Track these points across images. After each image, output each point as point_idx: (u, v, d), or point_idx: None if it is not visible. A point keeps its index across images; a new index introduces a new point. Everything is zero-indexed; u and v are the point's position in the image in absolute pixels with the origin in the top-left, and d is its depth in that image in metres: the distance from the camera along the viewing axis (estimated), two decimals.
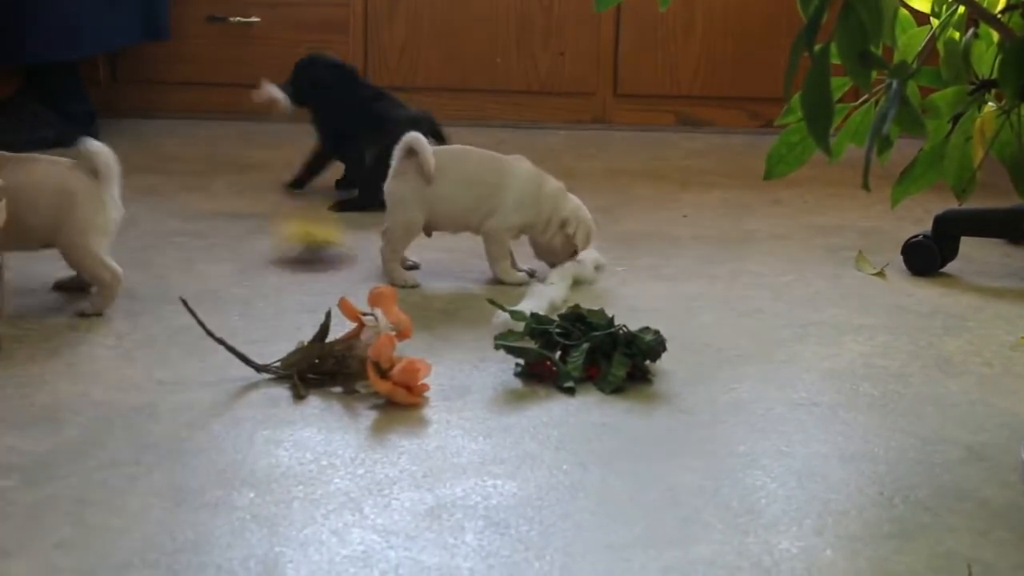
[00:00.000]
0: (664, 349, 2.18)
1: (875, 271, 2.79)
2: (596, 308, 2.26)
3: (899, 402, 2.10)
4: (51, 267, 2.62)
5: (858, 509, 1.73)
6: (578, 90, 4.23)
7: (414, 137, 2.61)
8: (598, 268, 2.72)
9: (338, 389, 2.09)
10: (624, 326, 2.20)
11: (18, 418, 1.94)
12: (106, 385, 2.07)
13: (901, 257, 2.81)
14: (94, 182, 2.39)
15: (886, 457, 1.89)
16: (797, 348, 2.33)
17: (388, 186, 2.63)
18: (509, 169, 2.66)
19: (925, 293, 2.67)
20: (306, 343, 2.14)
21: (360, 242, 2.81)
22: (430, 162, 2.58)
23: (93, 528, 1.63)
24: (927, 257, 2.79)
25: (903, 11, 2.06)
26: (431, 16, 4.18)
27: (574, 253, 2.66)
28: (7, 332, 2.24)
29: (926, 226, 2.83)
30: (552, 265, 2.67)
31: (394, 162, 2.62)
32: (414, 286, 2.60)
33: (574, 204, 2.67)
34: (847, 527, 1.68)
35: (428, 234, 2.68)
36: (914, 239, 2.81)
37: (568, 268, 2.63)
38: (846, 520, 1.70)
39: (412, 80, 4.14)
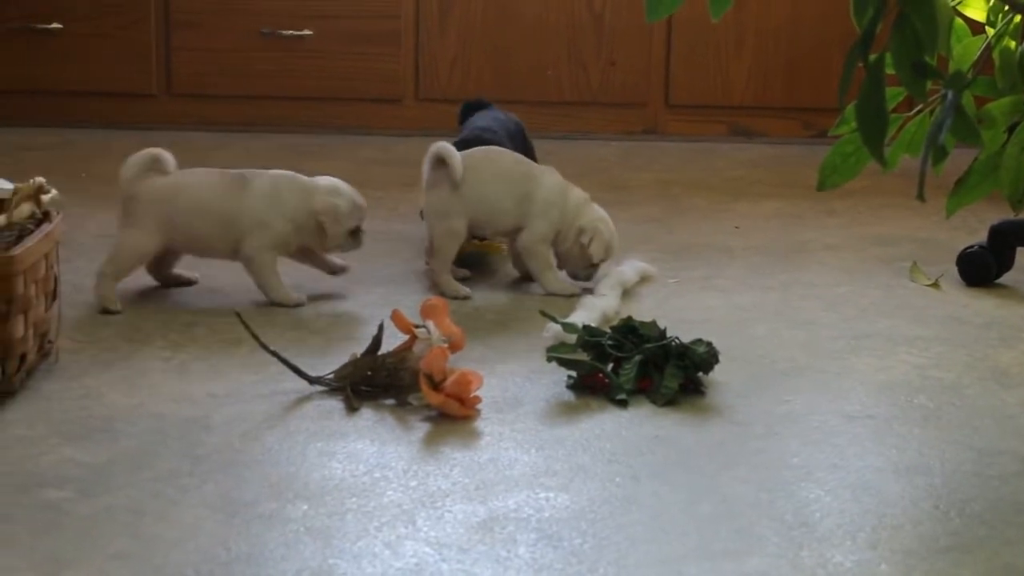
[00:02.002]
0: (717, 361, 2.18)
1: (930, 282, 2.77)
2: (648, 320, 2.25)
3: (954, 414, 2.09)
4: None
5: (913, 523, 1.72)
6: (629, 101, 4.23)
7: (441, 146, 2.61)
8: (645, 278, 2.71)
9: (391, 401, 2.09)
10: (676, 338, 2.19)
11: (74, 430, 1.95)
12: (161, 397, 2.08)
13: (956, 268, 2.79)
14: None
15: (941, 470, 1.88)
16: (851, 360, 2.32)
17: (425, 199, 2.63)
18: (537, 177, 2.66)
19: (980, 304, 2.65)
20: (359, 355, 2.14)
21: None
22: (457, 169, 2.58)
23: (148, 539, 1.64)
24: (982, 267, 2.76)
25: (958, 20, 2.05)
26: (482, 28, 4.19)
27: (594, 266, 2.65)
28: (63, 345, 2.26)
29: (981, 236, 2.81)
30: (573, 276, 2.67)
31: (425, 174, 2.63)
32: (466, 297, 2.60)
33: (596, 215, 2.66)
34: (902, 541, 1.67)
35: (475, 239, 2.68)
36: (969, 249, 2.79)
37: (615, 278, 2.62)
38: (901, 534, 1.69)
39: (463, 92, 4.14)
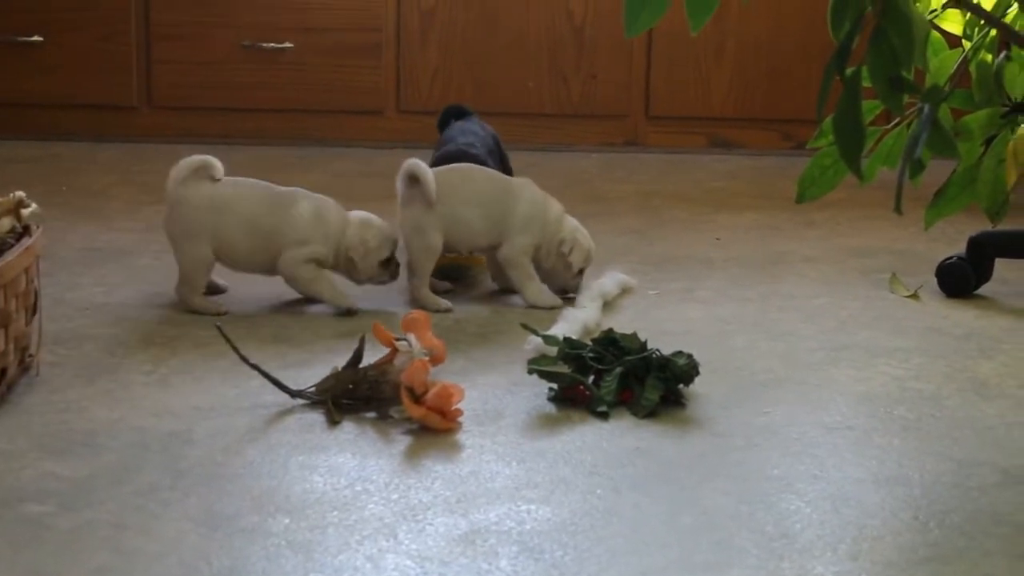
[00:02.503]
0: (697, 373, 2.18)
1: (909, 293, 2.78)
2: (629, 332, 2.26)
3: (934, 425, 2.10)
4: (87, 293, 2.64)
5: (893, 534, 1.73)
6: (610, 113, 4.24)
7: (414, 163, 2.61)
8: (625, 290, 2.73)
9: (372, 414, 2.10)
10: (657, 350, 2.20)
11: (56, 444, 1.95)
12: (143, 411, 2.08)
13: (935, 279, 2.80)
14: None
15: (921, 481, 1.89)
16: (831, 371, 2.33)
17: (400, 216, 2.63)
18: (515, 192, 2.67)
19: (960, 315, 2.66)
20: (340, 369, 2.14)
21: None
22: (431, 187, 2.59)
23: (130, 553, 1.64)
24: (961, 279, 2.78)
25: (935, 34, 2.07)
26: (463, 41, 4.20)
27: (579, 274, 2.67)
28: (44, 359, 2.26)
29: (960, 247, 2.83)
30: (561, 290, 2.68)
31: (399, 191, 2.63)
32: (447, 310, 2.60)
33: (571, 225, 2.68)
34: (882, 552, 1.68)
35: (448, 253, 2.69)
36: (948, 261, 2.80)
37: (596, 290, 2.63)
38: (881, 545, 1.70)
39: (444, 104, 4.13)
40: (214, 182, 2.57)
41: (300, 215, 2.57)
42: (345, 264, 2.59)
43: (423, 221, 2.61)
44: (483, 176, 2.69)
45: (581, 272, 2.69)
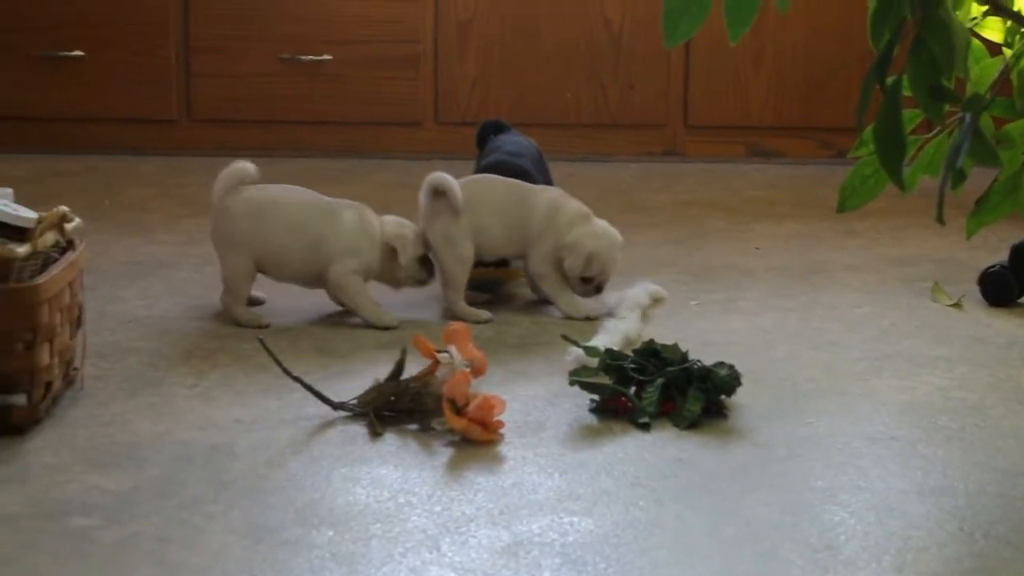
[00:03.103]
0: (739, 383, 2.18)
1: (951, 302, 2.76)
2: (670, 343, 2.26)
3: (978, 435, 2.08)
4: (129, 306, 2.66)
5: (938, 545, 1.72)
6: (648, 122, 4.24)
7: (438, 176, 2.62)
8: (657, 300, 2.71)
9: (414, 426, 2.10)
10: (698, 360, 2.20)
11: (101, 457, 1.97)
12: (186, 424, 2.09)
13: (978, 287, 2.79)
14: None
15: (966, 491, 1.88)
16: (873, 381, 2.32)
17: (428, 230, 2.63)
18: (530, 200, 2.67)
19: (1003, 324, 2.64)
20: (382, 381, 2.15)
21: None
22: (458, 198, 2.60)
23: (174, 567, 1.65)
24: (1004, 287, 2.76)
25: (976, 42, 2.05)
26: (501, 51, 4.21)
27: (586, 283, 2.64)
28: (88, 372, 2.27)
29: (1003, 256, 2.81)
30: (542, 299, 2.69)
31: (423, 205, 2.63)
32: (487, 321, 2.61)
33: (583, 231, 2.64)
34: (927, 563, 1.67)
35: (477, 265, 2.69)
36: (991, 269, 2.78)
37: (631, 300, 2.62)
38: (926, 556, 1.69)
39: (482, 115, 4.14)
40: (256, 189, 2.58)
41: (346, 224, 2.58)
42: (386, 267, 2.60)
43: (452, 232, 2.61)
44: (503, 185, 2.69)
45: (590, 282, 2.65)
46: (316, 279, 2.61)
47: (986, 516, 1.80)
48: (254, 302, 2.66)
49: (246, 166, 2.59)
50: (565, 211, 2.66)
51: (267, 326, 2.55)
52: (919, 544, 1.72)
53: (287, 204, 2.59)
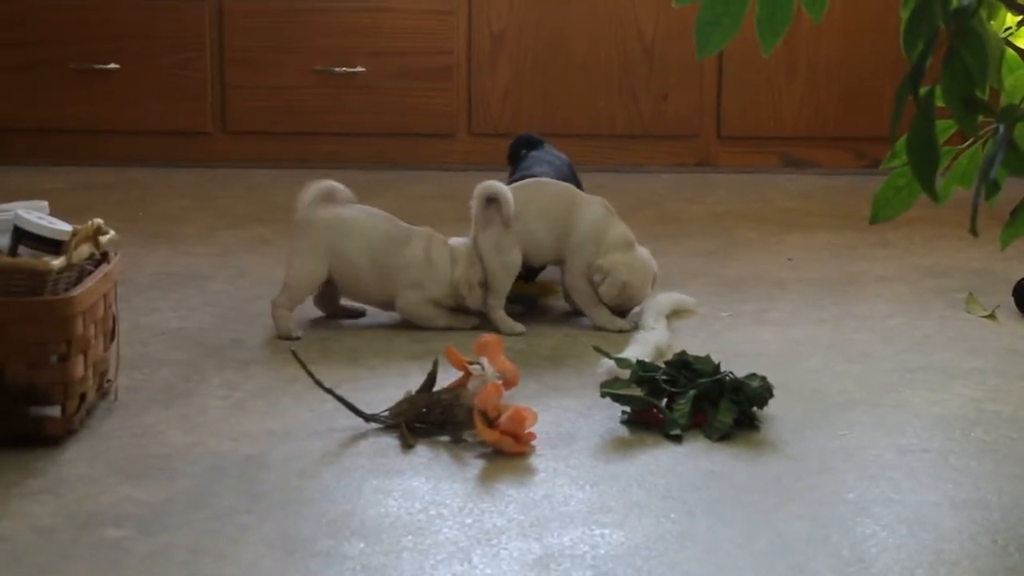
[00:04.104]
0: (771, 395, 2.17)
1: (986, 313, 2.75)
2: (702, 354, 2.25)
3: (1012, 448, 2.07)
4: (163, 318, 2.67)
5: (971, 558, 1.71)
6: (681, 133, 4.23)
7: (491, 184, 2.63)
8: (682, 310, 2.71)
9: (446, 438, 2.10)
10: (730, 372, 2.19)
11: (133, 468, 1.98)
12: (219, 435, 2.10)
13: (1012, 298, 2.77)
14: None
15: (999, 504, 1.87)
16: (906, 393, 2.31)
17: (478, 237, 2.63)
18: (580, 208, 2.66)
19: None
20: (414, 392, 2.15)
21: None
22: (511, 207, 2.60)
23: None
24: None
25: (1010, 52, 2.04)
26: (533, 62, 4.21)
27: (620, 306, 2.64)
28: (122, 383, 2.28)
29: None
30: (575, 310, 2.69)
31: (475, 213, 2.63)
32: (520, 333, 2.61)
33: (621, 258, 2.62)
34: None
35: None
36: None
37: (654, 308, 2.61)
38: (959, 570, 1.68)
39: (515, 126, 4.16)
40: (340, 207, 2.62)
41: (412, 257, 2.61)
42: (458, 298, 2.63)
43: (503, 241, 2.62)
44: (553, 190, 2.69)
45: (617, 306, 2.64)
46: (386, 305, 2.65)
47: (1020, 529, 1.79)
48: (351, 313, 2.68)
49: (331, 184, 2.65)
50: (610, 234, 2.65)
51: (298, 338, 2.56)
52: (951, 557, 1.71)
53: (363, 229, 2.62)
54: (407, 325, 2.64)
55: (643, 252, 2.68)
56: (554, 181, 2.74)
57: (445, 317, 2.63)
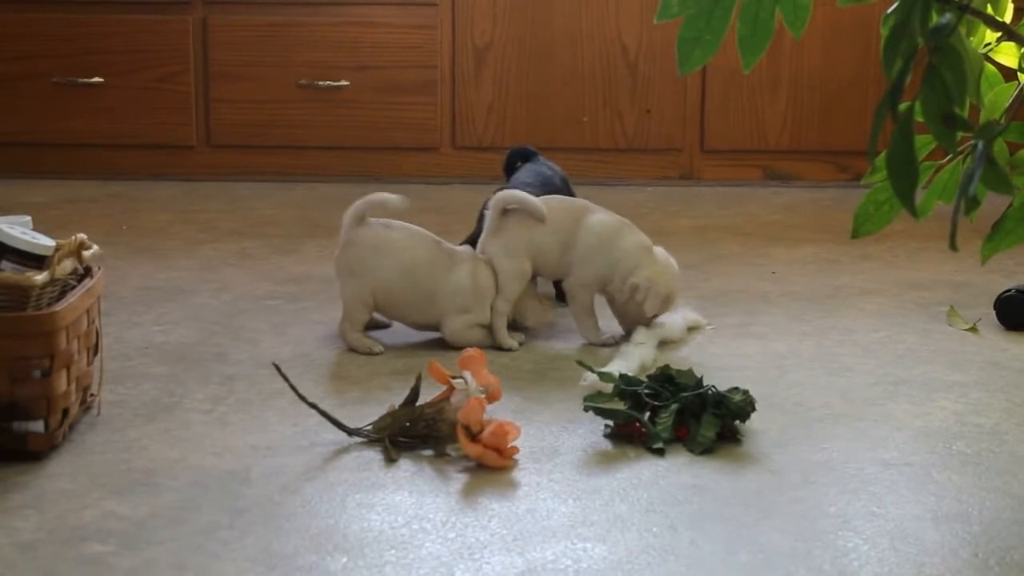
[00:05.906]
0: (753, 409, 2.18)
1: (967, 326, 2.76)
2: (685, 368, 2.26)
3: (994, 461, 2.08)
4: (146, 332, 2.67)
5: (952, 571, 1.71)
6: (665, 147, 4.25)
7: (512, 193, 2.63)
8: (692, 328, 2.71)
9: (429, 452, 2.10)
10: (713, 386, 2.20)
11: (116, 483, 1.97)
12: (202, 450, 2.10)
13: (994, 312, 2.78)
14: None
15: (981, 518, 1.87)
16: (888, 406, 2.32)
17: (489, 244, 2.63)
18: (583, 220, 2.66)
19: (1019, 348, 2.64)
20: (397, 407, 2.16)
21: None
22: (539, 209, 2.61)
23: None
24: (1020, 311, 2.76)
25: (990, 67, 2.06)
26: (517, 76, 4.22)
27: (652, 320, 2.64)
28: (105, 398, 2.28)
29: (1019, 279, 2.81)
30: (627, 332, 2.66)
31: (491, 221, 2.63)
32: (511, 350, 2.59)
33: (653, 270, 2.62)
34: None
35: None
36: (1007, 293, 2.78)
37: (655, 329, 2.62)
38: None
39: (499, 140, 4.18)
40: (383, 224, 2.60)
41: (458, 282, 2.59)
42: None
43: (513, 246, 2.62)
44: (558, 205, 2.69)
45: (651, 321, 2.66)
46: (426, 327, 2.64)
47: (1001, 543, 1.80)
48: (377, 325, 2.69)
49: (379, 198, 2.62)
50: (629, 240, 2.66)
51: (380, 353, 2.56)
52: (933, 571, 1.71)
53: (401, 250, 2.59)
54: (391, 339, 2.65)
55: (661, 252, 2.67)
56: (561, 196, 2.74)
57: (488, 338, 2.62)
